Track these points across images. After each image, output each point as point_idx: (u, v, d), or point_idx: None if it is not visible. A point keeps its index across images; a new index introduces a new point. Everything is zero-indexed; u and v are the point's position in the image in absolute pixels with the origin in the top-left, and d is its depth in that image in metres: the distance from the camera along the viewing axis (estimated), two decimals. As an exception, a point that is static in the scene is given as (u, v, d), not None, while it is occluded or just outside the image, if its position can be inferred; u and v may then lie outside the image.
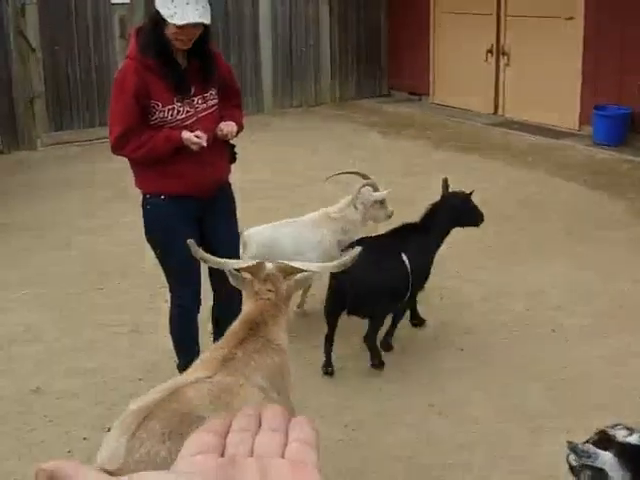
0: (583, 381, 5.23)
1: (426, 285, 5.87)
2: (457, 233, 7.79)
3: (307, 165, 10.20)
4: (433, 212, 5.87)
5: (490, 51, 12.99)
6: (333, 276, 5.27)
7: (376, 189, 6.30)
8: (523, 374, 5.34)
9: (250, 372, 3.31)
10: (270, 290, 3.57)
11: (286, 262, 3.69)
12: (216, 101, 4.66)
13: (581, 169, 10.02)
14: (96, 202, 9.20)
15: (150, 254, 7.05)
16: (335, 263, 3.69)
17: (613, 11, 10.95)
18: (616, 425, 2.87)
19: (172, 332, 4.94)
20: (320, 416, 4.70)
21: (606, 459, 2.78)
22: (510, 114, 12.81)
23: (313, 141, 11.45)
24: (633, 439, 2.80)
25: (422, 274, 5.72)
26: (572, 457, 2.85)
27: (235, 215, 4.91)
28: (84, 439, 4.63)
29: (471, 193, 5.92)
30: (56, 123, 12.11)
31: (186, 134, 4.40)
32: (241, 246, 5.28)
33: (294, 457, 0.73)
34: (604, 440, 2.84)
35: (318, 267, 3.75)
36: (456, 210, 5.88)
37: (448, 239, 7.46)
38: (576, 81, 11.64)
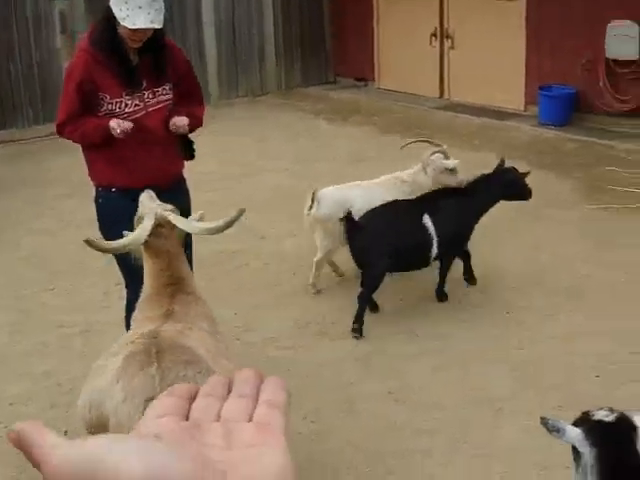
0: (539, 362, 5.27)
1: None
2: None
3: (255, 155, 10.15)
4: (485, 181, 6.24)
5: (434, 35, 13.00)
6: (345, 229, 5.75)
7: (447, 157, 6.61)
8: (480, 357, 5.37)
9: (192, 320, 3.59)
10: (165, 242, 3.83)
11: (166, 215, 3.85)
12: (169, 96, 4.66)
13: (527, 149, 10.09)
14: (45, 200, 9.07)
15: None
16: (211, 226, 3.86)
17: (554, -9, 11.02)
18: (603, 408, 2.89)
19: (127, 326, 4.91)
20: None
21: (573, 434, 2.80)
22: (456, 97, 12.84)
23: (260, 131, 11.39)
24: (605, 416, 2.82)
25: (455, 238, 6.03)
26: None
27: (190, 211, 4.88)
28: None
29: (527, 173, 6.37)
30: (0, 121, 11.92)
31: (113, 122, 4.44)
32: (315, 204, 6.09)
33: (260, 420, 0.72)
34: (583, 419, 2.86)
35: (194, 227, 3.92)
36: (511, 183, 6.27)
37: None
38: (521, 62, 11.69)
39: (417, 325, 5.81)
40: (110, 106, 4.51)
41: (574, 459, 2.86)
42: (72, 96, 4.51)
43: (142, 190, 4.47)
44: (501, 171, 6.30)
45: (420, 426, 4.66)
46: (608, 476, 2.77)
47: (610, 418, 2.83)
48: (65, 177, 9.57)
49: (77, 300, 6.50)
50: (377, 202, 6.06)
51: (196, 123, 4.79)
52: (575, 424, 2.84)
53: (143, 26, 4.31)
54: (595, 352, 5.34)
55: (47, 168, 10.29)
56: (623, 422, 2.81)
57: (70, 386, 5.17)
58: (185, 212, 4.83)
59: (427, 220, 5.81)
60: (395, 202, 5.98)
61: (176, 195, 4.66)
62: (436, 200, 5.98)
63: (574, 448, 2.84)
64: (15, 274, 7.06)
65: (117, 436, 0.65)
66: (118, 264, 4.80)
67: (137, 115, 4.54)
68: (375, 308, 5.99)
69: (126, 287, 4.91)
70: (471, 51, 12.40)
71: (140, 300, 3.90)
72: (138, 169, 4.58)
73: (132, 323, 3.85)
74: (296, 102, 13.61)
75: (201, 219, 3.97)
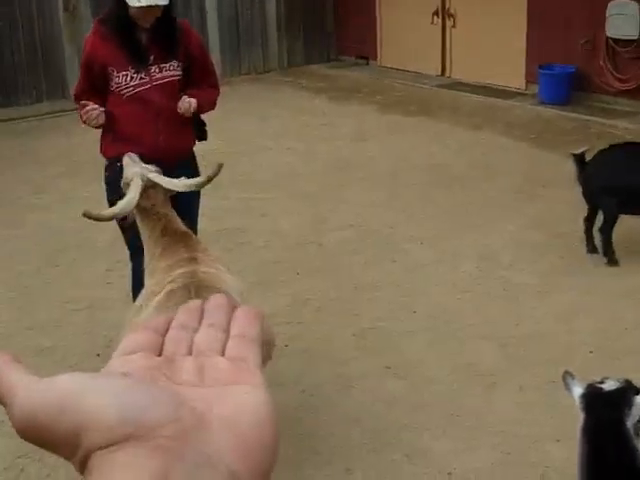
0: (534, 338, 5.35)
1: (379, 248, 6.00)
2: (410, 196, 7.91)
3: (256, 133, 10.21)
4: None
5: (436, 13, 13.03)
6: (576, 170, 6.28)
7: None
8: (476, 333, 5.45)
9: (215, 264, 3.86)
10: (154, 204, 4.08)
11: (151, 176, 4.08)
12: (176, 72, 4.78)
13: (528, 128, 10.14)
14: (47, 178, 9.14)
15: (104, 228, 7.09)
16: (193, 181, 4.20)
17: (555, -30, 11.04)
18: (619, 379, 3.01)
19: (134, 298, 5.00)
20: (278, 384, 4.77)
21: (575, 394, 2.94)
22: (457, 75, 12.88)
23: (262, 109, 11.44)
24: (606, 386, 2.94)
25: None
26: None
27: (199, 190, 4.99)
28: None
29: None
30: (2, 99, 11.98)
31: (86, 107, 4.66)
32: None
33: (234, 354, 0.67)
34: (590, 384, 3.00)
35: (179, 184, 4.13)
36: None
37: (399, 202, 7.57)
38: (522, 41, 11.73)
39: (414, 303, 5.89)
40: (117, 79, 4.70)
41: None
42: (82, 71, 4.85)
43: (148, 164, 4.61)
44: None
45: (416, 401, 4.75)
46: (589, 441, 2.89)
47: (608, 388, 2.94)
48: (65, 156, 9.66)
49: (80, 277, 6.58)
50: None
51: (208, 105, 4.94)
52: (586, 387, 2.98)
53: (145, 4, 4.48)
54: (590, 329, 5.43)
55: (47, 146, 10.35)
56: (618, 394, 2.92)
57: (75, 360, 5.26)
58: (197, 193, 4.94)
59: None
60: (626, 144, 6.22)
61: (183, 172, 4.65)
62: None
63: None
64: (18, 250, 7.13)
65: (87, 375, 0.61)
66: (123, 235, 4.88)
67: (142, 88, 4.71)
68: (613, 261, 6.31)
69: (131, 259, 4.99)
70: (472, 30, 12.44)
71: (148, 261, 4.11)
72: (144, 143, 4.71)
73: (148, 278, 4.01)
74: (298, 80, 13.65)
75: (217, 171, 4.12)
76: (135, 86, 4.70)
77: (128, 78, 4.69)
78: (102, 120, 4.71)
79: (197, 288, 3.49)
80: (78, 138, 10.41)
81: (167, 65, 4.72)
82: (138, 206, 4.04)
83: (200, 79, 4.90)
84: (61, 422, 0.58)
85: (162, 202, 4.11)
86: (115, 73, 4.69)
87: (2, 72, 11.91)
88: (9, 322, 5.90)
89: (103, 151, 4.97)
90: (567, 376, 3.04)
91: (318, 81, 13.55)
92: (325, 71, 14.26)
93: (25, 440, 0.61)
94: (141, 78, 4.70)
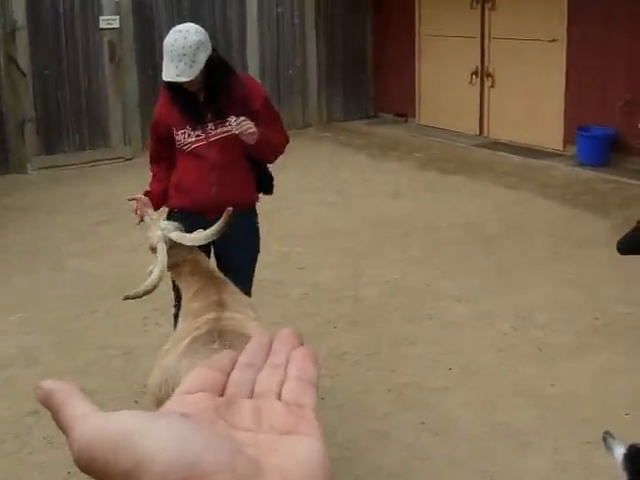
0: (569, 398, 5.35)
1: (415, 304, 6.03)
2: (447, 253, 7.95)
3: (296, 187, 10.31)
4: None
5: (475, 73, 13.16)
6: None
7: None
8: (511, 392, 5.45)
9: (243, 309, 3.98)
10: (180, 254, 4.29)
11: (171, 236, 4.27)
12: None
13: (565, 189, 10.17)
14: (87, 225, 9.29)
15: (144, 277, 7.15)
16: (202, 235, 4.31)
17: (595, 34, 11.13)
18: None
19: None
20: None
21: (617, 455, 2.94)
22: (495, 135, 12.97)
23: (301, 163, 11.55)
24: None
25: None
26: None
27: (252, 245, 5.08)
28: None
29: None
30: (46, 147, 12.20)
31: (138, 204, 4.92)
32: None
33: (291, 399, 0.67)
34: (633, 445, 2.99)
35: (190, 239, 4.32)
36: None
37: (436, 259, 7.61)
38: (559, 102, 11.81)
39: (450, 360, 5.91)
40: (177, 137, 4.92)
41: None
42: (151, 134, 5.14)
43: (201, 214, 4.71)
44: None
45: (451, 457, 4.76)
46: None
47: None
48: (106, 204, 9.82)
49: (118, 323, 6.66)
50: None
51: (270, 146, 4.98)
52: (628, 447, 2.97)
53: (169, 79, 4.71)
54: (625, 390, 5.42)
55: (88, 194, 10.54)
56: None
57: (113, 406, 5.32)
58: (245, 246, 5.01)
59: None
60: None
61: (238, 227, 4.65)
62: None
63: None
64: (58, 296, 7.24)
65: (147, 414, 0.61)
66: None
67: (198, 145, 4.88)
68: None
69: (175, 306, 5.06)
70: (511, 90, 12.54)
71: (182, 304, 4.28)
72: (193, 193, 4.93)
73: (181, 320, 4.17)
74: (337, 136, 13.79)
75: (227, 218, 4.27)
76: (192, 143, 4.89)
77: (186, 136, 4.89)
78: (148, 208, 4.89)
79: (221, 333, 3.61)
80: (118, 187, 10.59)
81: (224, 121, 4.83)
82: (168, 268, 4.26)
83: (267, 126, 4.95)
84: (116, 459, 0.58)
85: (187, 252, 4.31)
86: (175, 131, 4.90)
87: (47, 120, 12.14)
88: (48, 365, 5.98)
89: (168, 199, 5.16)
90: (608, 436, 3.05)
91: (357, 137, 13.68)
92: (364, 127, 14.40)
93: (81, 471, 0.61)
94: (197, 135, 4.87)
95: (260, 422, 0.64)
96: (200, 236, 4.30)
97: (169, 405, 0.66)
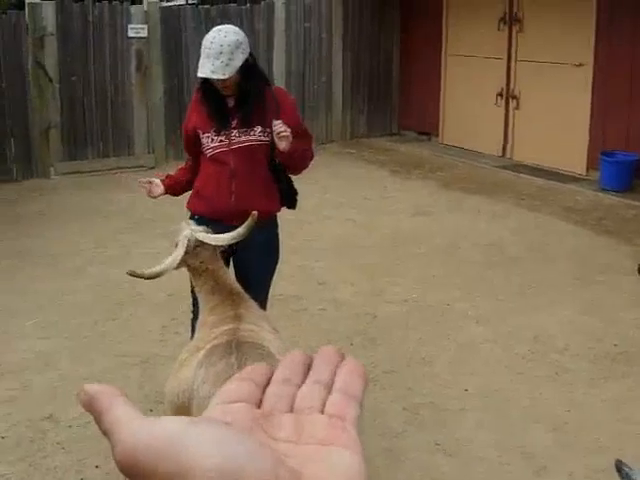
0: (586, 424, 5.32)
1: (434, 324, 6.01)
2: (467, 274, 7.92)
3: (317, 203, 10.33)
4: None
5: (500, 94, 13.15)
6: None
7: None
8: (527, 416, 5.43)
9: (259, 321, 4.00)
10: (202, 262, 4.26)
11: (198, 236, 4.25)
12: (258, 138, 4.88)
13: (588, 214, 10.14)
14: (109, 232, 9.33)
15: (163, 286, 7.19)
16: (229, 235, 4.27)
17: (622, 59, 11.11)
18: None
19: None
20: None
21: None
22: (518, 157, 12.95)
23: (324, 179, 11.56)
24: None
25: None
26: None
27: (271, 255, 5.09)
28: (96, 467, 4.73)
29: None
30: (70, 153, 12.27)
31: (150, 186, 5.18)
32: None
33: (334, 412, 0.67)
34: None
35: (215, 239, 4.29)
36: None
37: (456, 279, 7.59)
38: (584, 126, 11.78)
39: (467, 381, 5.89)
40: (202, 140, 4.95)
41: None
42: (184, 132, 5.18)
43: (219, 221, 4.72)
44: None
45: (464, 479, 4.74)
46: None
47: None
48: (127, 211, 9.88)
49: (136, 332, 6.69)
50: None
51: (300, 157, 5.00)
52: None
53: (203, 75, 4.73)
54: (643, 419, 5.39)
55: (110, 201, 10.59)
56: None
57: (141, 413, 5.30)
58: (264, 256, 5.02)
59: None
60: None
61: (259, 236, 4.67)
62: None
63: None
64: (78, 302, 7.27)
65: (192, 420, 0.61)
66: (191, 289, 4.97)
67: (220, 150, 4.90)
68: None
69: (192, 312, 5.07)
70: (536, 113, 12.53)
71: (200, 314, 4.26)
72: (212, 200, 4.95)
73: (197, 330, 4.17)
74: (360, 152, 13.81)
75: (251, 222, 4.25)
76: (214, 148, 4.90)
77: (210, 140, 4.90)
78: (158, 193, 5.16)
79: (238, 344, 3.62)
80: (140, 195, 10.61)
81: (249, 130, 4.84)
82: (189, 266, 4.27)
83: (281, 156, 4.95)
84: (160, 465, 0.59)
85: (210, 258, 4.28)
86: (201, 134, 4.93)
87: (72, 126, 12.22)
88: (66, 371, 6.00)
89: (188, 204, 5.18)
90: (622, 465, 3.02)
91: (380, 154, 13.69)
92: (387, 144, 14.41)
93: (124, 475, 0.61)
94: (221, 141, 4.88)
95: (300, 434, 0.64)
96: (224, 237, 4.28)
97: (210, 414, 0.66)
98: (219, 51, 4.65)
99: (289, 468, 0.59)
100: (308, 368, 0.73)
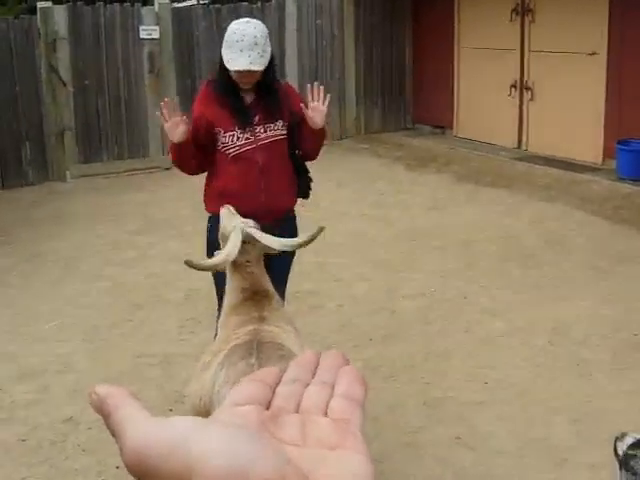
0: (606, 415, 5.28)
1: (451, 317, 6.00)
2: (484, 267, 7.89)
3: (333, 198, 10.32)
4: None
5: (514, 86, 13.10)
6: None
7: None
8: (547, 408, 5.40)
9: (281, 323, 3.93)
10: (249, 261, 4.04)
11: (251, 231, 4.01)
12: (281, 132, 4.86)
13: (604, 203, 10.08)
14: (124, 234, 9.35)
15: (179, 286, 7.19)
16: (293, 242, 4.16)
17: (636, 46, 11.05)
18: None
19: None
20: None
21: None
22: (534, 148, 12.89)
23: (338, 175, 11.56)
24: None
25: None
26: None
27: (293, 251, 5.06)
28: (117, 468, 4.73)
29: None
30: (85, 155, 12.31)
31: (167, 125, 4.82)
32: None
33: (338, 415, 0.67)
34: None
35: (276, 242, 4.05)
36: None
37: (473, 272, 7.56)
38: (599, 116, 11.72)
39: (486, 374, 5.87)
40: (224, 139, 4.81)
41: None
42: (192, 130, 4.89)
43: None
44: None
45: (486, 473, 4.72)
46: None
47: None
48: (142, 213, 9.91)
49: (153, 332, 6.70)
50: None
51: (322, 140, 4.98)
52: None
53: (241, 68, 4.62)
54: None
55: (126, 203, 10.63)
56: None
57: (149, 413, 5.31)
58: (287, 251, 4.99)
59: None
60: None
61: (282, 231, 4.62)
62: None
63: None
64: (95, 304, 7.29)
65: (201, 419, 0.62)
66: (215, 285, 4.92)
67: (247, 148, 4.80)
68: None
69: (218, 309, 5.04)
70: (550, 103, 12.47)
71: (223, 311, 4.17)
72: (246, 201, 4.73)
73: (220, 330, 4.08)
74: (374, 147, 13.78)
75: (317, 233, 4.01)
76: (241, 146, 4.80)
77: (235, 138, 4.79)
78: (181, 137, 4.76)
79: (259, 344, 3.58)
80: (155, 196, 10.67)
81: (272, 125, 4.82)
82: (233, 262, 4.03)
83: (307, 135, 4.94)
84: (169, 463, 0.59)
85: (256, 259, 4.08)
86: (222, 133, 4.80)
87: (87, 129, 12.26)
88: (84, 372, 6.01)
89: (207, 206, 5.03)
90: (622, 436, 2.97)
91: (394, 149, 13.66)
92: (401, 139, 14.38)
93: (132, 475, 0.61)
94: (247, 138, 4.79)
95: (306, 437, 0.65)
96: (279, 241, 4.07)
97: (219, 415, 0.66)
98: (254, 42, 4.59)
99: (297, 468, 0.59)
100: (317, 367, 0.74)
